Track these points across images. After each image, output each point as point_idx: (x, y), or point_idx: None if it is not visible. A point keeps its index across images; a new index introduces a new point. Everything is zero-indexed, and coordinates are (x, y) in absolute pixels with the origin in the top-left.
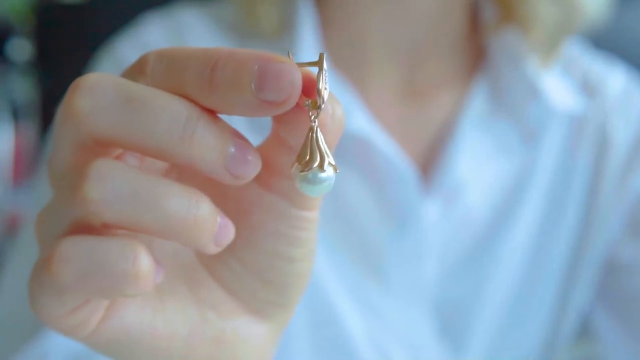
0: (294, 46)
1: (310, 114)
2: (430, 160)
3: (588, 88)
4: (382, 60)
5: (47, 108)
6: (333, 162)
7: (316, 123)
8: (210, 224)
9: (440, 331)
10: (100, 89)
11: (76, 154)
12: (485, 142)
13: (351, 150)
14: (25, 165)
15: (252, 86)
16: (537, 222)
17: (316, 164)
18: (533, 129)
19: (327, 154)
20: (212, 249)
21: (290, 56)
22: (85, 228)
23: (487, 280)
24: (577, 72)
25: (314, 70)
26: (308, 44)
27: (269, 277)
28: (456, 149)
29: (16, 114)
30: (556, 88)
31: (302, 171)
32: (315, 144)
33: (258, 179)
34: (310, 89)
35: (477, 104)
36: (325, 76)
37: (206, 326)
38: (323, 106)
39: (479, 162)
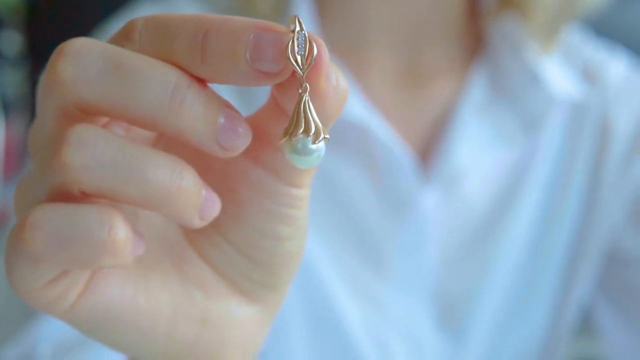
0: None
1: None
2: (429, 147)
3: (589, 75)
4: (381, 46)
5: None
6: (324, 133)
7: (306, 92)
8: (194, 195)
9: (439, 321)
10: (86, 55)
11: (59, 121)
12: (485, 129)
13: (349, 137)
14: (16, 160)
15: (247, 55)
16: (538, 211)
17: (300, 132)
18: (533, 117)
19: (316, 123)
20: (197, 222)
21: (290, 25)
22: (64, 196)
23: (487, 269)
24: (578, 60)
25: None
26: (304, 30)
27: (256, 256)
28: (456, 136)
29: (7, 108)
30: (557, 75)
31: (290, 141)
32: (301, 113)
33: (247, 151)
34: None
35: (476, 91)
36: (301, 39)
37: (192, 305)
38: (306, 73)
39: (478, 150)
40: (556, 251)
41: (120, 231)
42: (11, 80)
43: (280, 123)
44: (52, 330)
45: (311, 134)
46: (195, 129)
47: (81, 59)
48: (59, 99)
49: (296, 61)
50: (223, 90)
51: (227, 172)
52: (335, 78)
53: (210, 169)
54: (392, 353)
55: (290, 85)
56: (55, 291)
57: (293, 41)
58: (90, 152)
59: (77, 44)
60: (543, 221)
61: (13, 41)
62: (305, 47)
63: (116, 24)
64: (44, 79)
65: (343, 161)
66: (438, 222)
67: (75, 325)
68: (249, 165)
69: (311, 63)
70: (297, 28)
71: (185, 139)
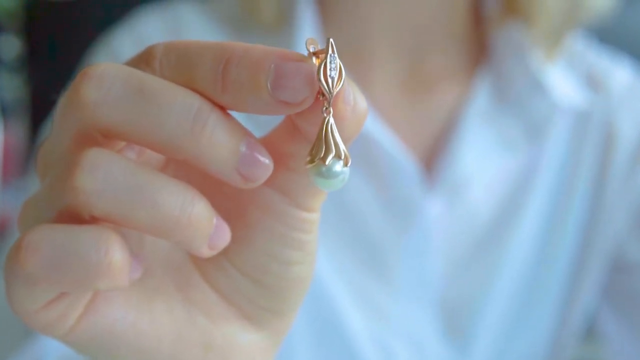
0: (294, 38)
1: (323, 105)
2: (433, 155)
3: (593, 83)
4: (384, 53)
5: (36, 106)
6: (347, 154)
7: (330, 114)
8: (205, 225)
9: (444, 329)
10: (110, 79)
11: (75, 143)
12: (490, 137)
13: (353, 146)
14: (15, 164)
15: (269, 85)
16: (542, 219)
17: (331, 156)
18: (537, 124)
19: (341, 146)
20: (206, 252)
21: (309, 48)
22: (72, 219)
23: (492, 277)
24: (582, 67)
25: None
26: (308, 37)
27: (264, 281)
28: (460, 144)
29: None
30: (561, 83)
31: (315, 165)
32: (328, 136)
33: None
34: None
35: (480, 98)
36: (334, 63)
37: (196, 330)
38: (333, 96)
39: (483, 158)
40: (561, 258)
41: (117, 254)
42: (9, 85)
43: (297, 145)
44: (57, 344)
45: (335, 156)
46: (216, 156)
47: (105, 83)
48: (80, 121)
49: (327, 83)
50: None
51: (236, 193)
52: (354, 99)
53: (220, 190)
54: None
55: (312, 109)
56: (54, 313)
57: (325, 64)
58: (103, 176)
59: (101, 67)
60: (547, 228)
61: (11, 45)
62: (336, 71)
63: (119, 37)
64: (65, 100)
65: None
66: (442, 229)
67: (74, 348)
68: (260, 187)
69: (341, 86)
70: (330, 51)
71: (205, 166)
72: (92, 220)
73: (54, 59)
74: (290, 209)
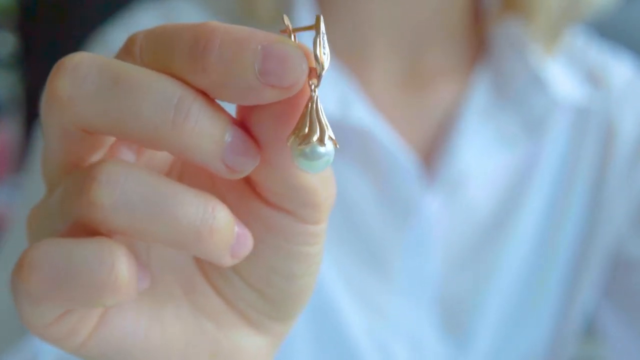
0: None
1: (309, 82)
2: (432, 151)
3: (593, 78)
4: (383, 49)
5: (31, 103)
6: (333, 136)
7: (316, 93)
8: (227, 235)
9: (443, 327)
10: (84, 70)
11: (66, 145)
12: (489, 133)
13: (351, 141)
14: (10, 162)
15: (256, 67)
16: (542, 215)
17: (315, 137)
18: (537, 120)
19: (327, 126)
20: (228, 261)
21: (287, 22)
22: (84, 232)
23: (491, 274)
24: (582, 62)
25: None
26: (306, 33)
27: (268, 292)
28: (459, 140)
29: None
30: (560, 78)
31: (299, 145)
32: (314, 115)
33: (256, 192)
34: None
35: (479, 94)
36: (324, 40)
37: (204, 337)
38: (324, 73)
39: (482, 154)
40: (560, 255)
41: (123, 269)
42: (4, 82)
43: (266, 174)
44: None
45: (320, 136)
46: (200, 147)
47: (79, 74)
48: (59, 117)
49: (322, 61)
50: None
51: (240, 210)
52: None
53: (224, 202)
54: (395, 359)
55: (301, 92)
56: (65, 327)
57: (319, 41)
58: (120, 191)
59: (75, 58)
60: (547, 225)
61: (6, 42)
62: (327, 48)
63: (114, 32)
64: (44, 96)
65: (345, 166)
66: (441, 226)
67: (86, 359)
68: (261, 205)
69: (328, 63)
70: (323, 29)
71: (189, 157)
72: (107, 233)
73: (49, 56)
74: (294, 225)
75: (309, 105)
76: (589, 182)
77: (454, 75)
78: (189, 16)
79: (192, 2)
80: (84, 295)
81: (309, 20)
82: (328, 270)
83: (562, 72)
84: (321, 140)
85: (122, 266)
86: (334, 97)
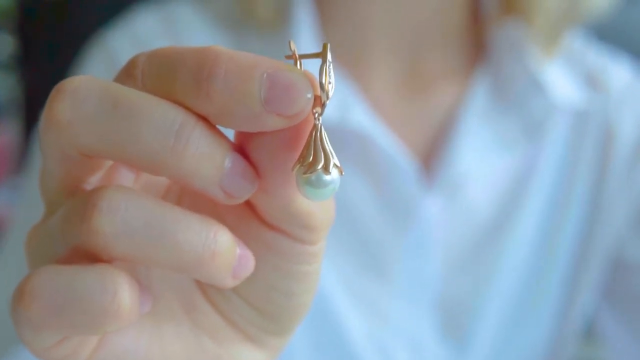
0: (291, 38)
1: (313, 111)
2: (432, 154)
3: (592, 82)
4: (382, 51)
5: (31, 105)
6: (338, 164)
7: (320, 121)
8: (229, 258)
9: (443, 329)
10: (83, 94)
11: (64, 167)
12: (488, 136)
13: (350, 145)
14: (9, 164)
15: (261, 96)
16: (541, 218)
17: (320, 165)
18: (536, 123)
19: (332, 154)
20: (230, 283)
21: (293, 48)
22: (85, 257)
23: (491, 277)
24: (581, 66)
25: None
26: (306, 36)
27: (267, 309)
28: (458, 143)
29: None
30: (560, 81)
31: (304, 173)
32: (319, 143)
33: (255, 214)
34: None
35: (479, 97)
36: (330, 69)
37: (203, 354)
38: (327, 102)
39: (481, 157)
40: (560, 257)
41: (125, 297)
42: (4, 84)
43: (268, 198)
44: None
45: (325, 165)
46: (199, 174)
47: (78, 99)
48: (58, 142)
49: (327, 90)
50: None
51: (239, 230)
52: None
53: (223, 223)
54: None
55: (305, 121)
56: (66, 349)
57: (326, 70)
58: (121, 218)
59: (75, 82)
60: (546, 228)
61: (6, 44)
62: (333, 77)
63: (114, 36)
64: (42, 119)
65: (345, 169)
66: (441, 229)
67: None
68: (260, 226)
69: (332, 92)
70: (329, 57)
71: (188, 183)
72: (108, 259)
73: (48, 58)
74: (293, 245)
75: (313, 133)
76: (588, 184)
77: (454, 78)
78: (189, 19)
79: (191, 5)
80: (86, 323)
81: (308, 25)
82: (328, 273)
83: (561, 75)
84: (326, 169)
85: (124, 294)
86: (333, 100)
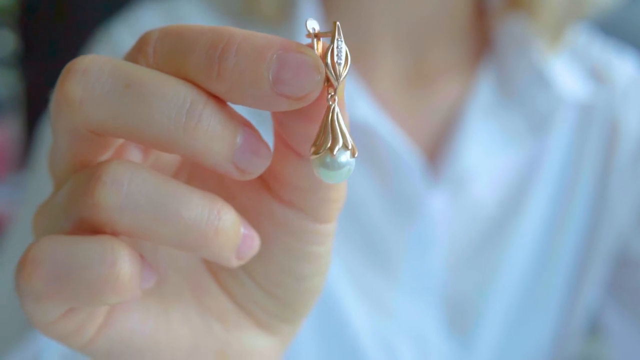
0: (295, 33)
1: (328, 92)
2: (437, 149)
3: (597, 76)
4: (387, 46)
5: (32, 102)
6: (353, 145)
7: (335, 102)
8: (232, 236)
9: (447, 325)
10: (95, 73)
11: (74, 145)
12: (493, 131)
13: (356, 140)
14: (10, 161)
15: (270, 77)
16: (546, 213)
17: (337, 147)
18: (541, 118)
19: (347, 136)
20: (234, 262)
21: (312, 26)
22: (89, 231)
23: (495, 272)
24: (586, 60)
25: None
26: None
27: (278, 293)
28: (464, 138)
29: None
30: (564, 76)
31: (319, 155)
32: (334, 125)
33: (269, 189)
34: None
35: (484, 92)
36: (341, 47)
37: (211, 338)
38: (339, 83)
39: (486, 152)
40: (565, 253)
41: (125, 266)
42: (5, 81)
43: (294, 159)
44: None
45: (341, 146)
46: (211, 151)
47: (90, 77)
48: (69, 120)
49: (334, 70)
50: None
51: (251, 209)
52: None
53: (234, 203)
54: (400, 357)
55: (317, 102)
56: (71, 325)
57: (333, 48)
58: (125, 192)
59: (86, 61)
60: (552, 223)
61: (7, 41)
62: (342, 56)
63: (118, 30)
64: (53, 98)
65: None
66: (446, 224)
67: (92, 358)
68: (273, 202)
69: (346, 73)
70: (337, 36)
71: (201, 161)
72: (112, 233)
73: (49, 54)
74: (305, 223)
75: (329, 115)
76: (593, 179)
77: (459, 73)
78: (192, 13)
79: (195, 1)
80: (86, 293)
81: (312, 17)
82: (333, 267)
83: (566, 70)
84: (342, 149)
85: (124, 264)
86: None
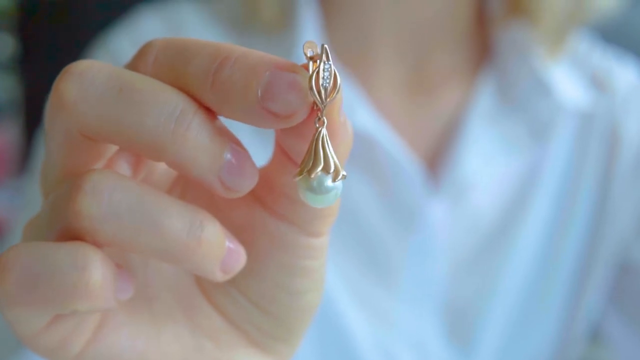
0: (295, 39)
1: (317, 116)
2: (437, 157)
3: (598, 83)
4: (387, 53)
5: (31, 106)
6: (341, 169)
7: (323, 126)
8: (216, 248)
9: (448, 333)
10: (91, 76)
11: (67, 150)
12: (494, 138)
13: (355, 147)
14: (9, 165)
15: (259, 92)
16: (547, 221)
17: (315, 170)
18: (542, 125)
19: (335, 159)
20: (219, 276)
21: (307, 52)
22: (73, 240)
23: (496, 280)
24: (587, 67)
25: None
26: (310, 38)
27: (272, 310)
28: (464, 145)
29: None
30: (565, 83)
31: (304, 178)
32: (319, 148)
33: (262, 203)
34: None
35: (484, 99)
36: (327, 71)
37: (202, 357)
38: (326, 107)
39: (487, 160)
40: (566, 261)
41: (96, 272)
42: (4, 85)
43: (289, 172)
44: None
45: (331, 171)
46: (197, 161)
47: (85, 80)
48: (63, 121)
49: (319, 93)
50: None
51: (244, 223)
52: (344, 116)
53: (227, 220)
54: None
55: (304, 122)
56: (55, 337)
57: (318, 72)
58: (106, 201)
59: (84, 64)
60: (552, 231)
61: (6, 44)
62: (330, 79)
63: (116, 38)
64: (49, 100)
65: (349, 172)
66: (446, 232)
67: None
68: (266, 216)
69: (335, 97)
70: (324, 58)
71: (187, 171)
72: (94, 243)
73: (48, 58)
74: (298, 237)
75: (316, 139)
76: (594, 186)
77: (459, 80)
78: (193, 21)
79: (195, 6)
80: (56, 298)
81: (312, 27)
82: (332, 276)
83: (567, 77)
84: (327, 173)
85: (95, 270)
86: None
